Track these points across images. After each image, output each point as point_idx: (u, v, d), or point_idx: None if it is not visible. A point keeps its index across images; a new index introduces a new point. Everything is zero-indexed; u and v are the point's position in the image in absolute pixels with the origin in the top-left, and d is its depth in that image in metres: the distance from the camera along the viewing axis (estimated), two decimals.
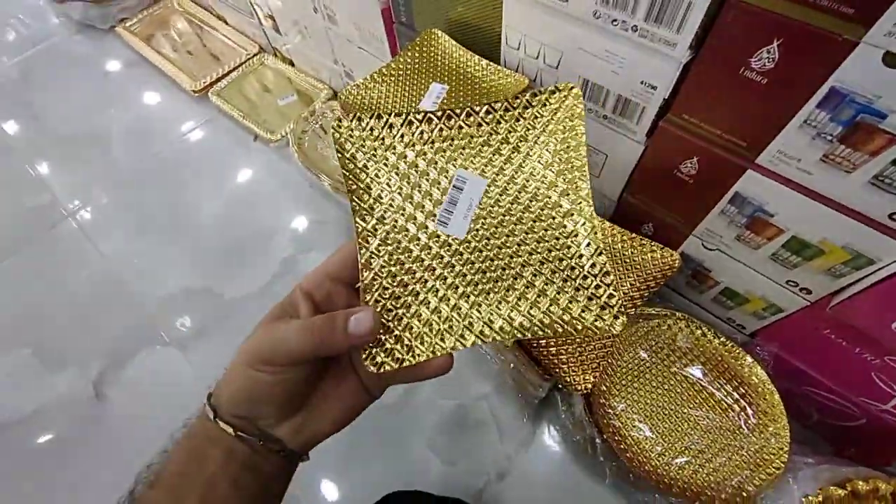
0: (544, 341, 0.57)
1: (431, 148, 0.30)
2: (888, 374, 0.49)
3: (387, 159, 0.30)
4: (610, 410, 0.58)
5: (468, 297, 0.28)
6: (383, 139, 0.30)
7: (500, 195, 0.30)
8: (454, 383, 0.73)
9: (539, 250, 0.29)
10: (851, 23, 0.31)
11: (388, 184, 0.30)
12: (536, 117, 0.31)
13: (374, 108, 0.55)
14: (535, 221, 0.30)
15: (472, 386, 0.72)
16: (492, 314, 0.28)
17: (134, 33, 1.20)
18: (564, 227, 0.30)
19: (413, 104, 0.55)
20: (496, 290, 0.29)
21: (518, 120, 0.31)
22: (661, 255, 0.60)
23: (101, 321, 0.81)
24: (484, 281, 0.29)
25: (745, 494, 0.52)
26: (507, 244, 0.29)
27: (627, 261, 0.62)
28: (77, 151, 1.03)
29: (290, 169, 0.98)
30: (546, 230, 0.30)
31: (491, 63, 0.57)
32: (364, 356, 0.26)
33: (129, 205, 0.96)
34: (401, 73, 0.59)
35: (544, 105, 0.31)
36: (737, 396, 0.58)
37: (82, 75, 1.17)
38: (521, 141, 0.31)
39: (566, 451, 0.66)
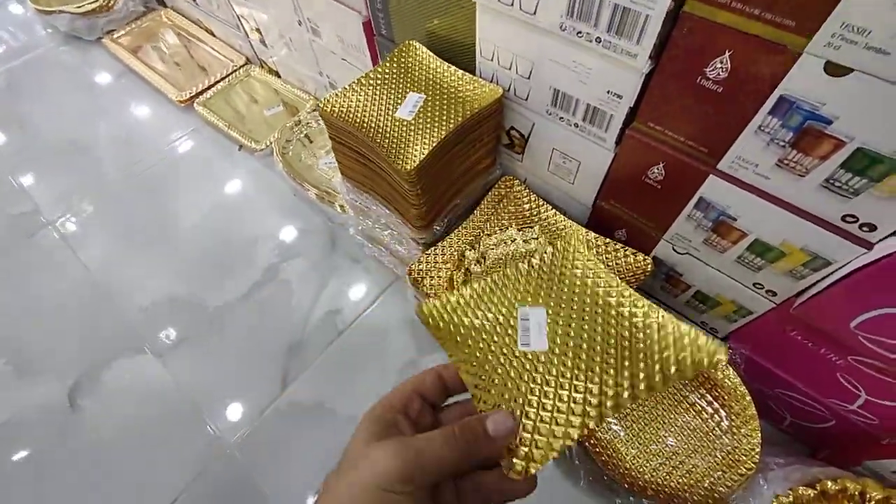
0: None
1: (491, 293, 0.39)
2: (852, 375, 0.51)
3: (463, 320, 0.36)
4: None
5: (565, 388, 0.31)
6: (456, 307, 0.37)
7: (560, 315, 0.36)
8: None
9: (608, 338, 0.34)
10: (794, 34, 0.33)
11: (471, 338, 0.35)
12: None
13: (351, 115, 0.56)
14: (597, 319, 0.35)
15: None
16: (588, 394, 0.31)
17: (121, 45, 1.21)
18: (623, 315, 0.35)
19: (390, 112, 0.57)
20: (584, 376, 0.32)
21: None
22: (635, 260, 0.61)
23: (79, 330, 0.80)
24: (571, 373, 0.32)
25: (716, 496, 0.53)
26: (584, 341, 0.34)
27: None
28: (62, 161, 1.03)
29: (275, 178, 0.99)
30: (608, 322, 0.35)
31: (466, 73, 0.59)
32: (505, 465, 0.27)
33: (112, 214, 0.95)
34: (378, 82, 0.60)
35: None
36: (710, 399, 0.59)
37: (69, 86, 1.17)
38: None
39: None
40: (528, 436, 0.28)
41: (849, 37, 0.31)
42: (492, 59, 0.56)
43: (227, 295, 0.83)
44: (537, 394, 0.31)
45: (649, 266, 0.60)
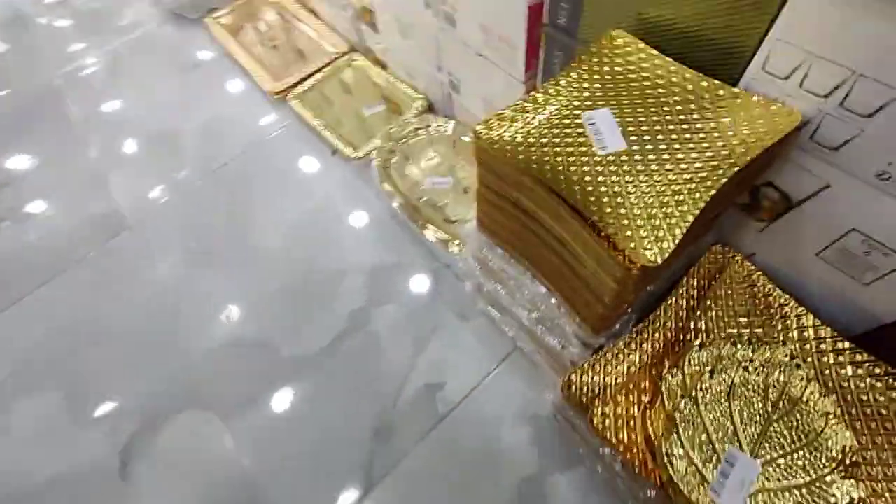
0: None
1: None
2: None
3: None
4: None
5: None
6: None
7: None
8: None
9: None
10: None
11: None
12: None
13: (530, 155, 0.35)
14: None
15: None
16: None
17: (222, 25, 1.10)
18: None
19: (592, 149, 0.35)
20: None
21: None
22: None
23: (140, 367, 0.68)
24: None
25: None
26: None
27: None
28: (149, 153, 0.94)
29: (370, 194, 0.82)
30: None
31: (722, 84, 0.35)
32: None
33: (191, 218, 0.84)
34: (568, 100, 0.38)
35: None
36: None
37: (166, 70, 1.08)
38: None
39: None
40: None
41: None
42: (787, 77, 0.32)
43: (304, 344, 0.68)
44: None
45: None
